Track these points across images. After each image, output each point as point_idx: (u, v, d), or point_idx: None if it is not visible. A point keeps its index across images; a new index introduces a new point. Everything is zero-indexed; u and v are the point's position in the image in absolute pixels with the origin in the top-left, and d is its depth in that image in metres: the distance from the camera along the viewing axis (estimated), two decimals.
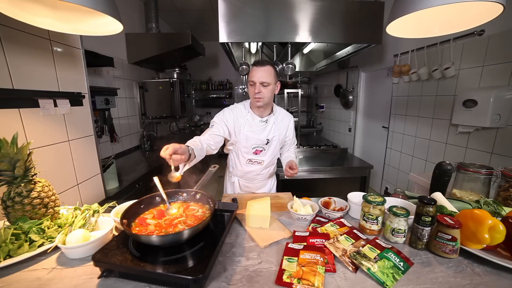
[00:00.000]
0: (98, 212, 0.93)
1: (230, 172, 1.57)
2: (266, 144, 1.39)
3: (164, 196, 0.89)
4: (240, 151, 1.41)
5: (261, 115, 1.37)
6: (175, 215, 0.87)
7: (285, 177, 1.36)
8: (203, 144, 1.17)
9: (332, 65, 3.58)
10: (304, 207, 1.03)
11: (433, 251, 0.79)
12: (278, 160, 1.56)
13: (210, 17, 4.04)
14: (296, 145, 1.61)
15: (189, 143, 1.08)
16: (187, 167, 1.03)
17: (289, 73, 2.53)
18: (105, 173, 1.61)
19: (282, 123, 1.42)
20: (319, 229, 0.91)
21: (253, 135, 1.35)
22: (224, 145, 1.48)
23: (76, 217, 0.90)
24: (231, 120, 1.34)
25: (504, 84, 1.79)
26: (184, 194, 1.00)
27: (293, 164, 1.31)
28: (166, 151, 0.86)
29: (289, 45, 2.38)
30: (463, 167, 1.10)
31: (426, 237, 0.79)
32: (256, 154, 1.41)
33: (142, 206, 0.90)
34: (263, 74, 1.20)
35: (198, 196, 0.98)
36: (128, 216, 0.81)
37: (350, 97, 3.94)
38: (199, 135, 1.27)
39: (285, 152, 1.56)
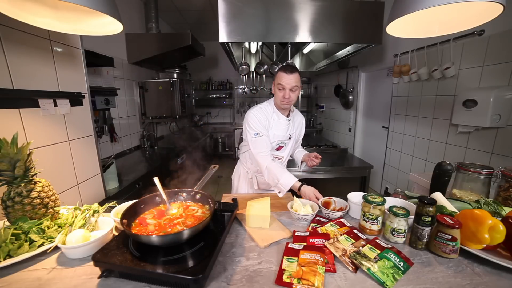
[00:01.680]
0: (98, 212, 0.93)
1: (248, 168, 1.59)
2: (289, 139, 1.50)
3: (164, 196, 0.89)
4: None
5: (286, 114, 1.47)
6: (175, 215, 0.87)
7: (308, 166, 1.47)
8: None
9: (332, 65, 3.58)
10: (304, 207, 1.03)
11: (433, 251, 0.79)
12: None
13: (210, 17, 4.04)
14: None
15: (290, 176, 1.24)
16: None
17: None
18: (105, 173, 1.60)
19: (298, 121, 1.54)
20: (319, 229, 0.91)
21: (280, 133, 1.44)
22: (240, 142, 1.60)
23: (76, 217, 0.90)
24: (264, 121, 1.39)
25: (504, 84, 1.79)
26: (184, 194, 1.00)
27: (316, 153, 1.43)
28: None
29: (289, 45, 2.38)
30: (463, 167, 1.10)
31: (426, 237, 0.79)
32: (278, 150, 1.49)
33: (142, 206, 0.90)
34: (293, 81, 1.28)
35: (198, 196, 0.98)
36: (128, 216, 0.81)
37: (350, 97, 3.95)
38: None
39: (296, 150, 1.64)
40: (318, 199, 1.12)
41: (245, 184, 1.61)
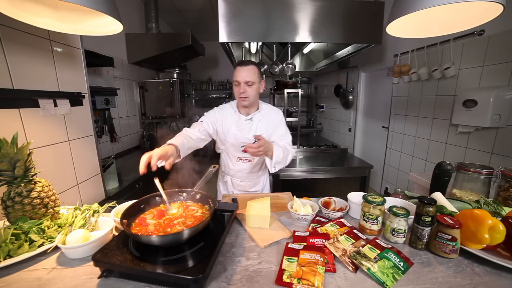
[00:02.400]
0: (98, 212, 0.93)
1: (222, 171, 1.59)
2: (254, 142, 1.34)
3: (164, 197, 0.89)
4: (230, 150, 1.44)
5: (246, 113, 1.39)
6: (175, 215, 0.87)
7: (246, 151, 1.13)
8: (192, 137, 1.23)
9: (332, 65, 3.58)
10: (304, 207, 1.03)
11: (433, 251, 0.79)
12: None
13: (210, 17, 4.04)
14: (291, 143, 1.45)
15: (175, 141, 1.10)
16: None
17: (289, 73, 2.53)
18: (105, 173, 1.61)
19: (269, 119, 1.41)
20: (319, 229, 0.91)
21: (241, 134, 1.37)
22: (215, 144, 1.52)
23: (76, 217, 0.90)
24: (220, 120, 1.38)
25: (504, 84, 1.79)
26: (184, 194, 1.00)
27: (262, 139, 1.11)
28: (153, 159, 0.89)
29: (289, 45, 2.38)
30: (463, 167, 1.10)
31: (426, 237, 0.79)
32: (245, 152, 1.38)
33: (142, 206, 0.90)
34: (247, 74, 1.22)
35: (198, 196, 0.98)
36: (128, 216, 0.81)
37: (350, 97, 3.94)
38: None
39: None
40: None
41: (224, 187, 1.59)
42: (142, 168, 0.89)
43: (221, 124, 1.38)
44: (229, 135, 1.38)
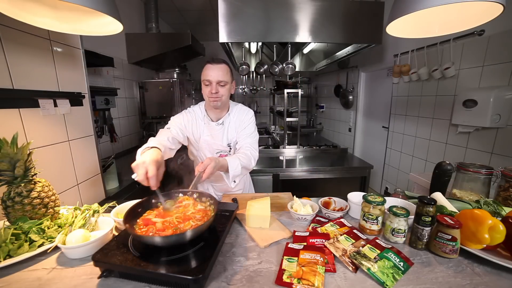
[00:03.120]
0: (98, 212, 0.93)
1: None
2: (229, 150, 1.29)
3: (161, 199, 0.88)
4: (205, 157, 1.26)
5: (216, 117, 1.27)
6: (186, 210, 0.86)
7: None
8: (165, 147, 1.08)
9: (332, 65, 3.58)
10: (304, 207, 1.03)
11: (433, 251, 0.79)
12: None
13: (210, 17, 4.04)
14: (256, 144, 1.30)
15: (156, 144, 0.99)
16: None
17: (289, 73, 2.53)
18: (105, 173, 1.61)
19: (239, 121, 1.29)
20: (319, 229, 0.91)
21: (214, 141, 1.27)
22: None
23: (76, 217, 0.90)
24: (189, 126, 1.26)
25: (504, 84, 1.79)
26: (181, 195, 0.98)
27: (206, 163, 0.97)
28: (151, 174, 0.80)
29: (289, 45, 2.38)
30: (463, 167, 1.10)
31: (426, 237, 0.79)
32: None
33: (140, 209, 0.88)
34: (219, 73, 1.13)
35: (196, 195, 0.97)
36: (133, 215, 0.80)
37: (350, 97, 3.95)
38: None
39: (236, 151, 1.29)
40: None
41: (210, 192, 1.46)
42: (154, 186, 0.83)
43: (191, 130, 1.25)
44: (201, 142, 1.27)
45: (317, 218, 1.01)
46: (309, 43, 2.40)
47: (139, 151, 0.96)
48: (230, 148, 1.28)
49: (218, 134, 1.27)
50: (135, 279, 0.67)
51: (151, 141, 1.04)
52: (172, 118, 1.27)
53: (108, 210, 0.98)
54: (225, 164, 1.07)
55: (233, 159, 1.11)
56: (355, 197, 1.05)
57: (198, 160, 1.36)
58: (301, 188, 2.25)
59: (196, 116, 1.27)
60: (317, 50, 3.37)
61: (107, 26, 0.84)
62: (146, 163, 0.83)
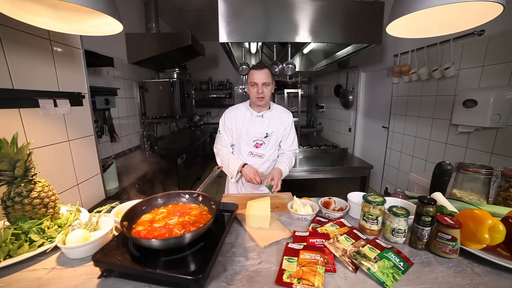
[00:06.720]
0: (99, 212, 0.93)
1: None
2: (265, 137, 1.49)
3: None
4: (242, 145, 1.52)
5: (259, 111, 1.49)
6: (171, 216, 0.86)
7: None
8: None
9: (332, 65, 3.58)
10: (304, 207, 1.03)
11: (433, 251, 0.79)
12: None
13: (210, 17, 4.04)
14: (297, 147, 1.60)
15: (240, 160, 1.41)
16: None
17: (289, 73, 2.52)
18: (105, 173, 1.61)
19: (279, 119, 1.52)
20: (319, 229, 0.91)
21: (253, 129, 1.48)
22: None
23: (74, 215, 0.90)
24: (231, 123, 1.49)
25: (504, 84, 1.79)
26: (187, 196, 0.98)
27: (275, 175, 1.30)
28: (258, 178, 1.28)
29: (289, 45, 2.37)
30: (463, 167, 1.10)
31: (426, 237, 0.79)
32: (256, 147, 1.51)
33: (143, 208, 0.89)
34: (262, 76, 1.35)
35: (200, 198, 0.96)
36: (130, 217, 0.80)
37: (350, 97, 3.95)
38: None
39: (280, 155, 1.57)
40: (258, 182, 1.26)
41: (233, 187, 1.59)
42: (259, 181, 1.28)
43: (234, 125, 1.49)
44: (242, 131, 1.49)
45: (317, 218, 1.01)
46: (309, 43, 2.40)
47: (236, 168, 1.37)
48: (266, 136, 1.50)
49: (257, 123, 1.48)
50: (135, 279, 0.67)
51: (232, 157, 1.45)
52: (220, 121, 1.55)
53: (108, 210, 0.98)
54: (281, 172, 1.40)
55: (284, 166, 1.45)
56: (355, 197, 1.05)
57: (236, 148, 1.59)
58: (301, 188, 2.25)
59: (239, 111, 1.51)
60: (317, 50, 3.37)
61: (107, 26, 0.84)
62: (255, 172, 1.31)
